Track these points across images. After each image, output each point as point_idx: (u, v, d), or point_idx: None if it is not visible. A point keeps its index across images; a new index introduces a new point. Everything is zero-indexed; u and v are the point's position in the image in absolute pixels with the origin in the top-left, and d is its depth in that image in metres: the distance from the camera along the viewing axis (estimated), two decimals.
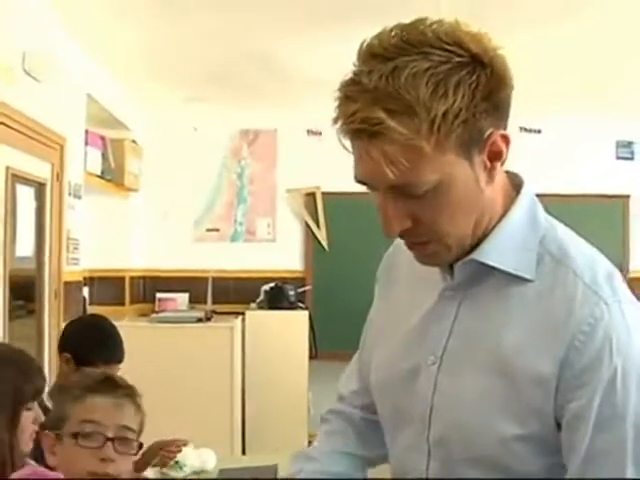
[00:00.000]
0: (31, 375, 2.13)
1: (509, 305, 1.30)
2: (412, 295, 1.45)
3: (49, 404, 2.70)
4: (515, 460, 1.27)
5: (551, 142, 6.77)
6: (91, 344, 2.83)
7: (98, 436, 1.80)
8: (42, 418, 2.09)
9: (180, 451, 2.92)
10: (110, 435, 1.82)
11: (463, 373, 1.32)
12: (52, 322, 4.80)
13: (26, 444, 2.07)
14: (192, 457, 2.98)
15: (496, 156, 1.24)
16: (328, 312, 6.48)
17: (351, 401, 1.62)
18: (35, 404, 2.11)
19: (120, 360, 2.86)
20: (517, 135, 6.11)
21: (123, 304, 6.20)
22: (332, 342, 6.12)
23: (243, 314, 5.84)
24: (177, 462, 2.83)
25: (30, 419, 2.07)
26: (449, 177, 1.21)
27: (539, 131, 6.81)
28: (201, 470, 3.02)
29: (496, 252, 1.30)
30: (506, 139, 1.24)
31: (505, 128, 1.25)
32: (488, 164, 1.24)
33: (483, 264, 1.30)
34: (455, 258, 1.32)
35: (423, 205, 1.23)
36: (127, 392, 1.90)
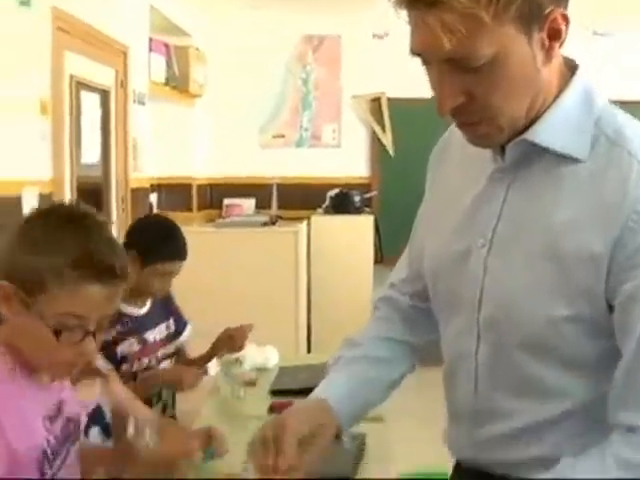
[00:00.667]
0: None
1: (560, 186, 1.27)
2: (463, 178, 1.43)
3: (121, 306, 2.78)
4: (565, 342, 1.25)
5: (625, 46, 6.50)
6: (157, 240, 2.84)
7: (79, 330, 1.48)
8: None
9: (246, 337, 2.97)
10: (91, 329, 1.50)
11: (512, 255, 1.30)
12: (120, 229, 4.88)
13: None
14: (254, 354, 3.03)
15: (555, 35, 1.20)
16: (394, 217, 6.44)
17: (400, 288, 1.62)
18: None
19: (185, 257, 2.89)
20: (590, 39, 5.89)
21: (190, 210, 6.27)
22: (398, 247, 6.10)
23: (308, 219, 5.85)
24: (237, 359, 2.88)
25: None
26: (506, 51, 1.18)
27: (611, 35, 6.53)
28: (263, 367, 3.07)
29: (548, 133, 1.27)
30: (566, 19, 1.20)
31: (565, 9, 1.21)
32: (547, 43, 1.21)
33: (535, 144, 1.27)
34: (507, 139, 1.29)
35: (478, 80, 1.20)
36: (122, 279, 1.54)
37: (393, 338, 1.59)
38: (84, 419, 1.72)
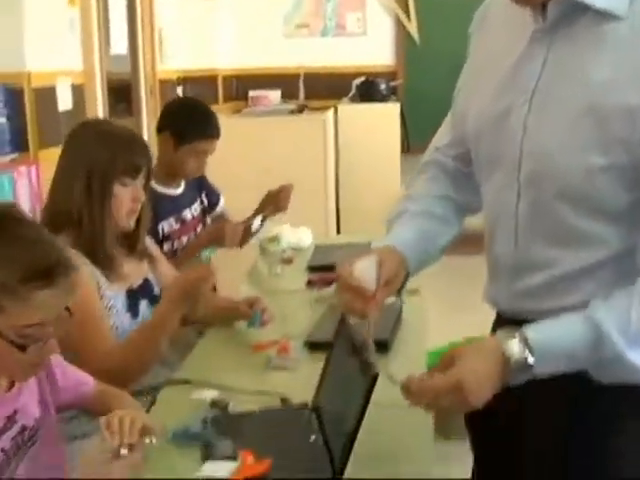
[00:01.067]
0: (128, 149, 2.17)
1: (601, 42, 1.31)
2: (504, 41, 1.47)
3: (156, 186, 2.87)
4: (601, 192, 1.32)
5: None
6: (191, 119, 2.90)
7: (39, 338, 1.46)
8: (142, 198, 2.17)
9: (289, 196, 3.09)
10: (52, 329, 1.48)
11: (552, 112, 1.35)
12: (150, 120, 4.93)
13: (123, 220, 2.16)
14: (289, 234, 3.12)
15: None
16: (420, 106, 6.45)
17: (444, 152, 1.68)
18: (136, 182, 2.17)
19: (218, 136, 2.95)
20: None
21: (217, 102, 6.29)
22: (424, 136, 6.10)
23: (335, 108, 5.86)
24: (274, 237, 2.97)
25: (128, 196, 2.15)
26: None
27: None
28: (297, 247, 3.16)
29: None
30: None
31: None
32: None
33: (576, 2, 1.31)
34: None
35: None
36: (70, 270, 1.48)
37: (446, 196, 1.67)
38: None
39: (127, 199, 2.16)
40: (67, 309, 1.50)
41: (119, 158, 2.13)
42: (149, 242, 2.40)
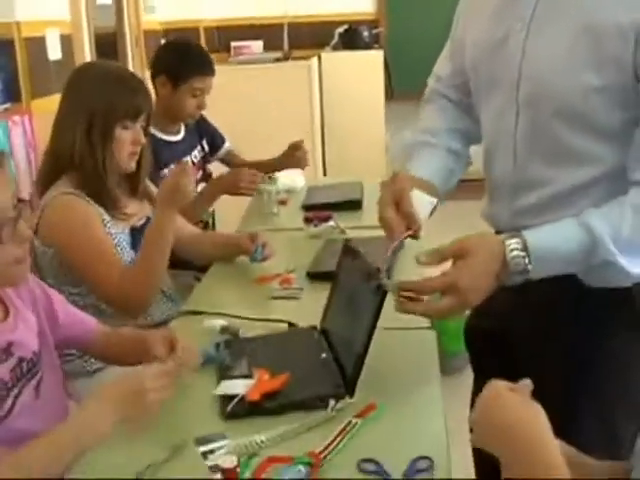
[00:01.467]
0: (129, 92, 2.20)
1: None
2: None
3: (156, 133, 2.91)
4: (596, 111, 1.40)
5: None
6: (185, 58, 2.92)
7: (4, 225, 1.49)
8: (142, 141, 2.21)
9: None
10: (11, 214, 1.50)
11: (549, 34, 1.43)
12: (135, 71, 4.94)
13: (125, 162, 2.21)
14: (283, 177, 3.18)
15: None
16: (403, 53, 6.50)
17: (446, 82, 1.76)
18: (136, 125, 2.20)
19: (214, 72, 2.98)
20: None
21: None
22: (408, 83, 6.16)
23: (319, 57, 5.88)
24: (270, 177, 3.03)
25: (128, 138, 2.19)
26: None
27: None
28: (291, 189, 3.23)
29: None
30: None
31: None
32: None
33: None
34: None
35: None
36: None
37: (456, 129, 1.74)
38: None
39: (128, 142, 2.20)
40: (19, 200, 1.53)
41: (120, 101, 2.17)
42: (151, 186, 2.45)
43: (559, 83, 1.41)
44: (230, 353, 1.74)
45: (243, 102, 4.81)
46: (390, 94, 6.26)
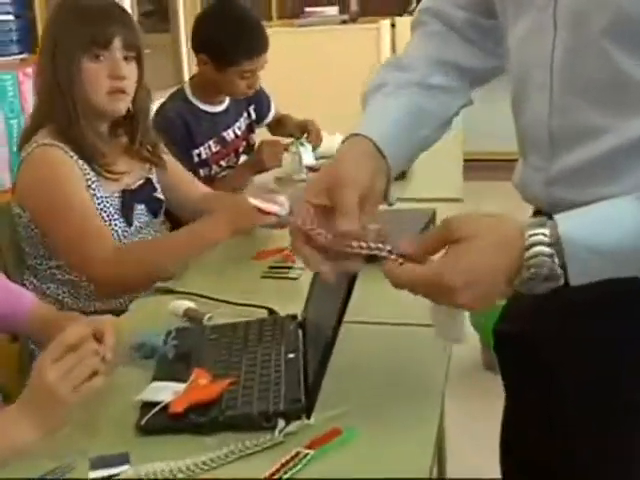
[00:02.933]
0: (94, 18, 1.84)
1: None
2: None
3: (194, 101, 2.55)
4: None
5: None
6: (232, 39, 2.44)
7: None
8: (123, 74, 1.84)
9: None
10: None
11: None
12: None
13: (103, 101, 1.84)
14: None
15: None
16: None
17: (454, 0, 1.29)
18: (113, 54, 1.82)
19: (267, 48, 2.51)
20: None
21: (270, 19, 5.93)
22: None
23: (393, 22, 5.43)
24: (298, 138, 2.63)
25: (102, 72, 1.83)
26: None
27: None
28: (326, 155, 2.81)
29: None
30: None
31: None
32: None
33: None
34: None
35: None
36: None
37: (450, 61, 1.28)
38: None
39: (102, 75, 1.84)
40: None
41: (82, 28, 1.82)
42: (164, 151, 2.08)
43: None
44: (179, 345, 1.34)
45: (308, 65, 4.43)
46: None
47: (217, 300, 1.57)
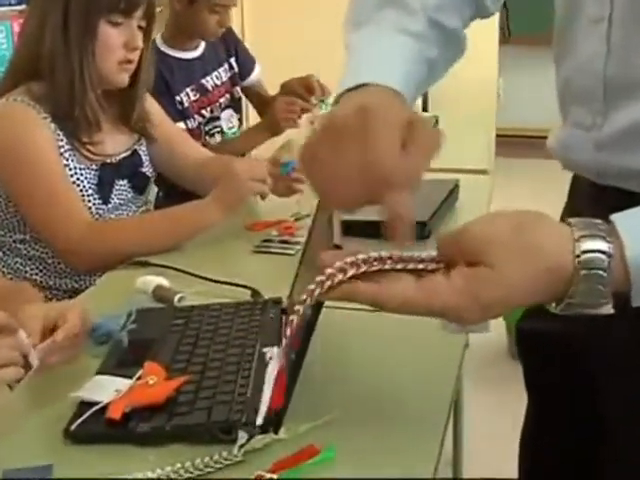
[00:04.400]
0: None
1: None
2: None
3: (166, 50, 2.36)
4: None
5: None
6: None
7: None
8: (137, 45, 1.65)
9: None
10: None
11: None
12: None
13: (113, 72, 1.65)
14: None
15: None
16: None
17: None
18: (131, 23, 1.63)
19: None
20: None
21: None
22: (528, 24, 5.39)
23: None
24: (322, 100, 2.38)
25: (119, 40, 1.63)
26: None
27: None
28: None
29: None
30: None
31: None
32: None
33: None
34: None
35: None
36: None
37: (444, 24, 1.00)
38: None
39: (117, 44, 1.62)
40: None
41: None
42: (156, 115, 1.86)
43: None
44: (137, 330, 1.12)
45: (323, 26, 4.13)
46: (507, 36, 5.49)
47: (193, 275, 1.35)
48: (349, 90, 0.86)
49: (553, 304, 0.73)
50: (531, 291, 0.71)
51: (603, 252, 0.69)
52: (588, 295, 0.70)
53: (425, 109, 4.82)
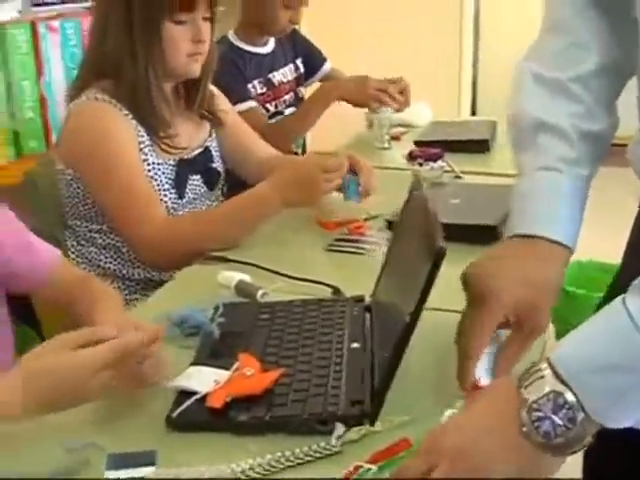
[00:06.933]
0: None
1: None
2: None
3: (237, 42, 2.41)
4: None
5: None
6: None
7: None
8: (204, 38, 1.69)
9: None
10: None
11: None
12: None
13: (183, 65, 1.69)
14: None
15: None
16: None
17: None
18: (195, 17, 1.66)
19: None
20: None
21: None
22: None
23: None
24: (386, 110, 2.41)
25: (185, 35, 1.67)
26: None
27: None
28: (410, 123, 2.58)
29: None
30: None
31: None
32: None
33: None
34: None
35: None
36: None
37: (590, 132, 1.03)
38: None
39: (184, 39, 1.67)
40: None
41: None
42: (223, 103, 1.91)
43: None
44: (226, 324, 1.16)
45: (377, 17, 4.13)
46: None
47: (275, 272, 1.39)
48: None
49: None
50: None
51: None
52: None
53: (474, 112, 4.81)
